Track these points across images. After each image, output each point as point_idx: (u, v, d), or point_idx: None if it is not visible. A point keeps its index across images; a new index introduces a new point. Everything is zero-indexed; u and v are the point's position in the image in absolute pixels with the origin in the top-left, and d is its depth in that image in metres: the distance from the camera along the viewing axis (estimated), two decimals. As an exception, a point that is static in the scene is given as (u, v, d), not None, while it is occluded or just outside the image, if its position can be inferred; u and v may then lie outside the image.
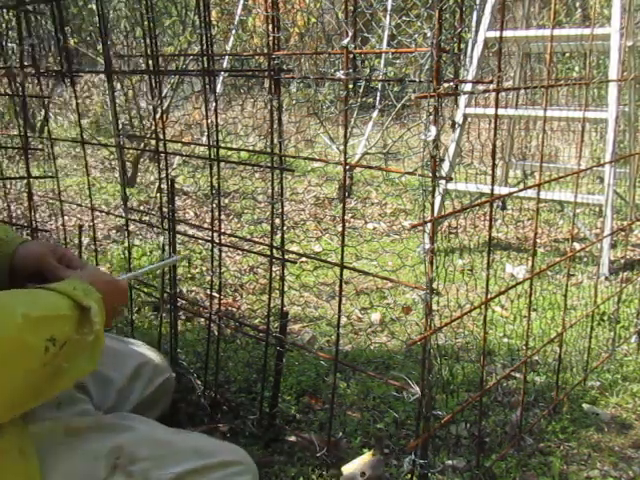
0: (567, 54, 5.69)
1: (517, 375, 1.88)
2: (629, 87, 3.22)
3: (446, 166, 2.67)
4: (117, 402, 1.19)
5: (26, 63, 1.75)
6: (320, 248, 3.32)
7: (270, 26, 1.32)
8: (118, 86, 4.00)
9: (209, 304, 1.73)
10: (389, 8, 5.00)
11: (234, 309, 2.45)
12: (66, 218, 3.21)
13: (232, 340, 2.09)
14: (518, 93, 4.11)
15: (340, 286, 1.36)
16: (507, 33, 3.28)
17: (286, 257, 1.49)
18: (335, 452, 1.45)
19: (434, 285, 1.11)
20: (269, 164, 1.42)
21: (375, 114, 5.15)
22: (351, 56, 1.19)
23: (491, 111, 3.16)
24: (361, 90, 4.28)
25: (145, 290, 2.09)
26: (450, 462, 1.47)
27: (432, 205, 1.10)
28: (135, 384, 1.24)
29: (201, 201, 4.13)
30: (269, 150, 1.41)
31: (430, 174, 1.07)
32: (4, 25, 2.21)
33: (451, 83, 1.06)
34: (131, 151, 4.25)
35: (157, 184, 1.86)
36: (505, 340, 2.18)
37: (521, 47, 3.78)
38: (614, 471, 1.49)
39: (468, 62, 3.52)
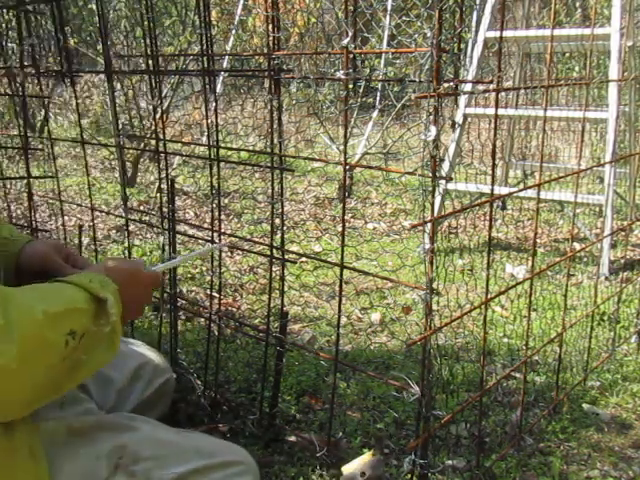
0: (567, 54, 5.69)
1: (517, 375, 1.88)
2: (629, 87, 3.22)
3: (446, 166, 2.67)
4: (117, 402, 1.19)
5: (26, 63, 1.75)
6: (320, 248, 3.32)
7: (270, 26, 1.32)
8: (118, 86, 4.00)
9: (209, 304, 1.73)
10: (389, 8, 5.00)
11: (234, 309, 2.45)
12: (66, 218, 3.21)
13: (232, 340, 2.09)
14: (518, 93, 4.11)
15: (340, 286, 1.36)
16: (507, 33, 3.28)
17: (286, 257, 1.49)
18: (335, 452, 1.45)
19: (434, 285, 1.11)
20: (269, 164, 1.42)
21: (375, 114, 5.14)
22: (351, 56, 1.19)
23: (491, 111, 3.16)
24: (361, 90, 4.28)
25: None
26: (450, 462, 1.47)
27: (432, 205, 1.10)
28: (135, 384, 1.24)
29: (201, 201, 4.13)
30: (269, 150, 1.41)
31: (430, 174, 1.07)
32: (4, 25, 2.21)
33: (451, 83, 1.06)
34: (131, 151, 4.25)
35: (157, 184, 1.86)
36: (505, 340, 2.18)
37: (521, 47, 3.78)
38: (614, 471, 1.49)
39: (468, 62, 3.52)
